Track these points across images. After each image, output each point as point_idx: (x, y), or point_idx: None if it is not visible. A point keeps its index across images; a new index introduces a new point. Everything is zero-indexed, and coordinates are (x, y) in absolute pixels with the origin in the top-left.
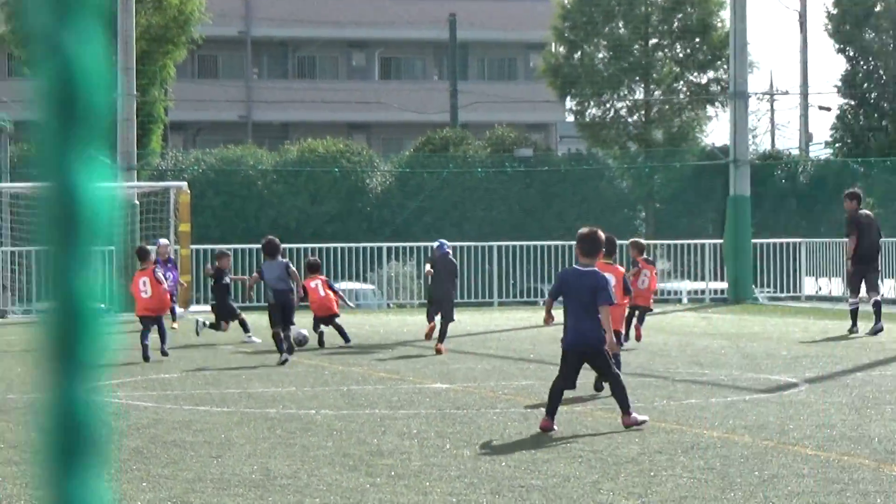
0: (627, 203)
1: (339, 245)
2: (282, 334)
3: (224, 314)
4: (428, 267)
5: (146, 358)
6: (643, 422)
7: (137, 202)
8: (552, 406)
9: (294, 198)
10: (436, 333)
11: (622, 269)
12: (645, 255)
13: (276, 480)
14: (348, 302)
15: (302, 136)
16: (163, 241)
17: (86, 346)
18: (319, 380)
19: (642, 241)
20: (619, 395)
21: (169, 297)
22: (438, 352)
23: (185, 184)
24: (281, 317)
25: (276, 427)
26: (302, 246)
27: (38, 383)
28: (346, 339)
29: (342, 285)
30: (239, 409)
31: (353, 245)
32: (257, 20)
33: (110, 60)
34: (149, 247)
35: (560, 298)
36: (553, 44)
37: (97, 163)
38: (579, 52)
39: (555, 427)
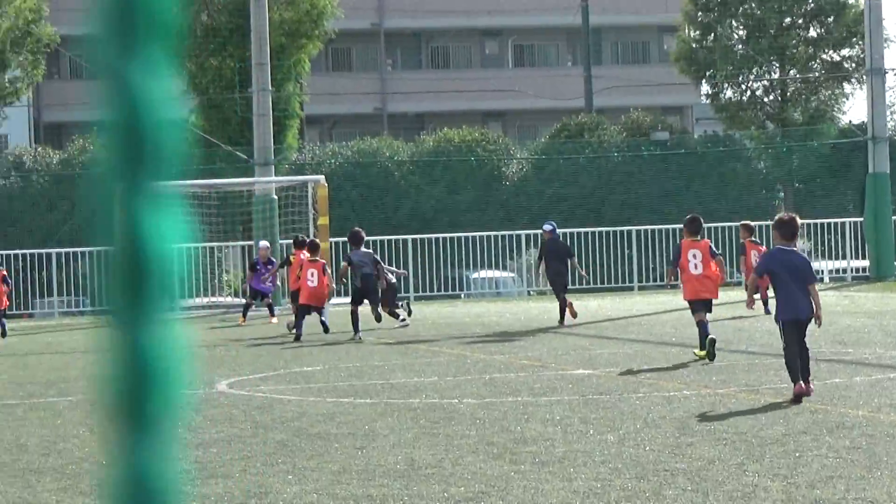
0: (766, 183)
1: (476, 234)
2: (357, 313)
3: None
4: (542, 259)
5: (298, 338)
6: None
7: (276, 196)
8: (794, 374)
9: (431, 188)
10: (568, 317)
11: (708, 242)
12: (752, 238)
13: (421, 470)
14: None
15: (437, 126)
16: (263, 242)
17: (155, 286)
18: (462, 369)
19: (751, 223)
20: (806, 362)
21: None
22: (573, 314)
23: (322, 177)
24: (363, 297)
25: (420, 417)
26: (440, 235)
27: (107, 324)
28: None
29: (481, 274)
30: (382, 400)
31: (490, 233)
32: (390, 12)
33: (178, 92)
34: (318, 241)
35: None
36: (686, 27)
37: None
38: (712, 35)
39: (811, 388)
